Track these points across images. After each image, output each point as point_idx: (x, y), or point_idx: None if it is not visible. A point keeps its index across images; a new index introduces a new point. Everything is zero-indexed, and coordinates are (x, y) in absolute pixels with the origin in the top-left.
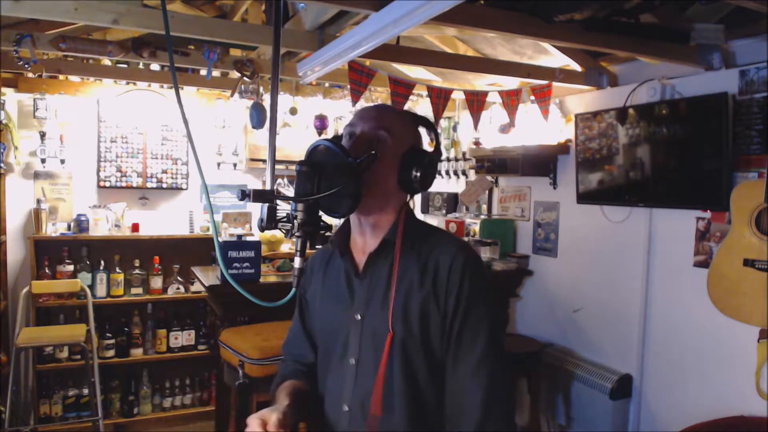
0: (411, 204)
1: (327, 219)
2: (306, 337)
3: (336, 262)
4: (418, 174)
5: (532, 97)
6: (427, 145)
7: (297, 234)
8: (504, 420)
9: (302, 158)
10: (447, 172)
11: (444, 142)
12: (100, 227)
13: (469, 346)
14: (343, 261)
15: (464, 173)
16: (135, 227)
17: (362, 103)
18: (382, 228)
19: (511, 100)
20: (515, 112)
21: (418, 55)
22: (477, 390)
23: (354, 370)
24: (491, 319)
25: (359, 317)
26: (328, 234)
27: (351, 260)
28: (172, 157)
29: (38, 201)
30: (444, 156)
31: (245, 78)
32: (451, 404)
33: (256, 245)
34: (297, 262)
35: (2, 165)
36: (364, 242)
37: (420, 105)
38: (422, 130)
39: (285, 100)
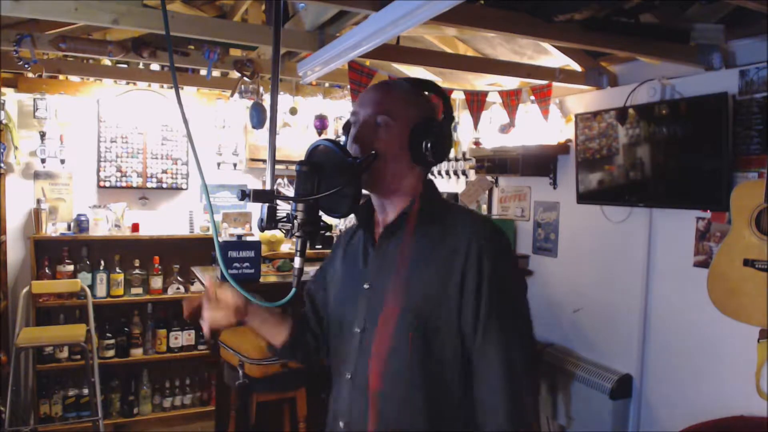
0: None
1: (327, 219)
2: (311, 304)
3: (358, 235)
4: (429, 146)
5: (532, 97)
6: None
7: (297, 234)
8: (523, 420)
9: (302, 158)
10: (447, 172)
11: None
12: (100, 227)
13: (495, 338)
14: (364, 233)
15: (464, 173)
16: (135, 227)
17: None
18: (401, 204)
19: (511, 100)
20: (515, 112)
21: (418, 55)
22: (500, 389)
23: (358, 339)
24: (515, 304)
25: (367, 286)
26: (328, 234)
27: (371, 232)
28: (172, 157)
29: (38, 201)
30: None
31: (245, 78)
32: (477, 395)
33: (256, 245)
34: (297, 262)
35: (2, 165)
36: (384, 217)
37: None
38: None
39: (285, 100)
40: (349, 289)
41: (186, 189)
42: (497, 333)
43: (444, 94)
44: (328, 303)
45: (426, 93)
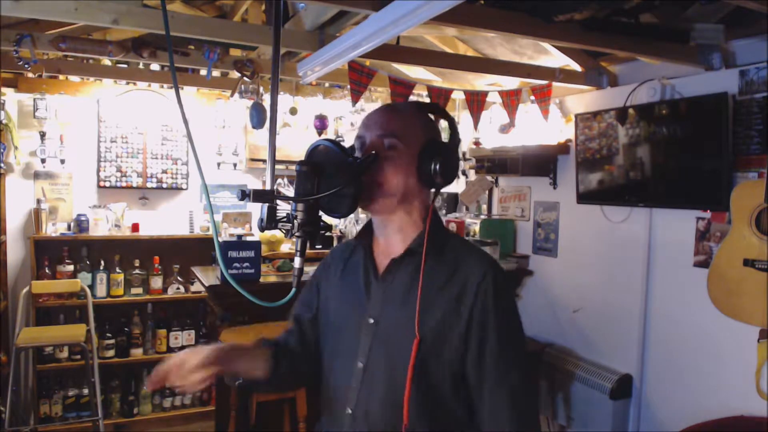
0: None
1: (327, 219)
2: (296, 323)
3: (357, 258)
4: (438, 168)
5: (532, 97)
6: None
7: (297, 234)
8: None
9: (302, 158)
10: None
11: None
12: (100, 227)
13: (496, 376)
14: (365, 260)
15: (464, 173)
16: (135, 227)
17: (362, 104)
18: (406, 232)
19: (511, 100)
20: (515, 112)
21: (418, 55)
22: (507, 421)
23: (361, 374)
24: (516, 346)
25: (372, 321)
26: (328, 234)
27: (372, 261)
28: (172, 157)
29: (38, 201)
30: None
31: (245, 78)
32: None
33: (256, 245)
34: (297, 262)
35: (2, 165)
36: (387, 244)
37: None
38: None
39: (285, 100)
40: (349, 321)
41: (186, 189)
42: (499, 373)
43: (450, 116)
44: (322, 328)
45: (431, 115)
